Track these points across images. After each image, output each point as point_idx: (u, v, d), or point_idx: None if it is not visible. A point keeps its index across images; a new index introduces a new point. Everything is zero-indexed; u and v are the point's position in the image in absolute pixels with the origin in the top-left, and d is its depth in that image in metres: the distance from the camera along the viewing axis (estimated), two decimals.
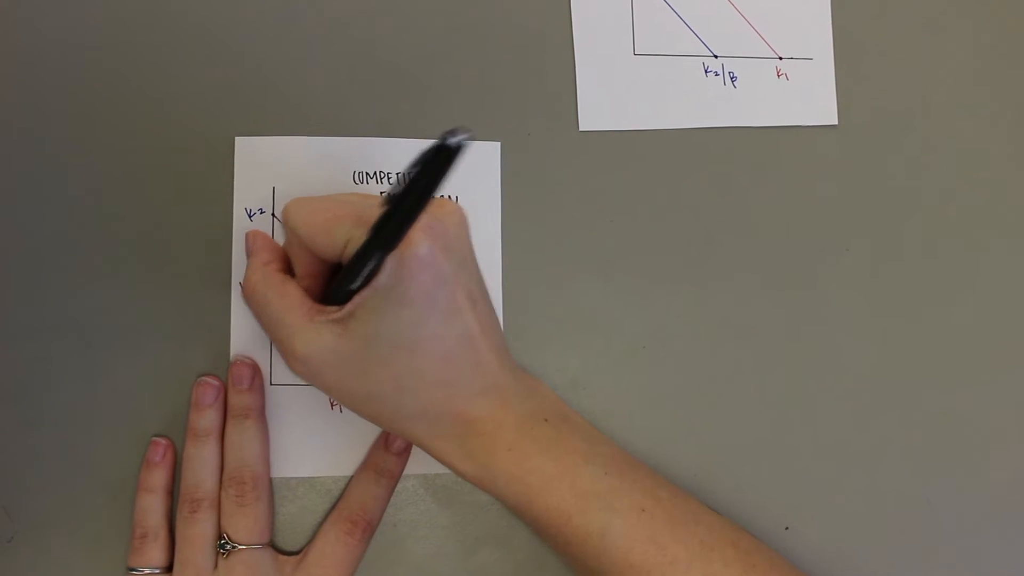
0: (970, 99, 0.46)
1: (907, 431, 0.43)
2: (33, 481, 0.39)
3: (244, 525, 0.37)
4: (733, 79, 0.44)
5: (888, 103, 0.45)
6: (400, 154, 0.42)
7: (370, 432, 0.40)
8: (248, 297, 0.38)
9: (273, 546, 0.39)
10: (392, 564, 0.40)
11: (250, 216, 0.41)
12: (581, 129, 0.43)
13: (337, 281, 0.34)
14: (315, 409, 0.40)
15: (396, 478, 0.40)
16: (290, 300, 0.35)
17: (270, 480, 0.39)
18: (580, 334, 0.42)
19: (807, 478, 0.42)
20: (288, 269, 0.37)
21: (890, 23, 0.46)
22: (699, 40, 0.44)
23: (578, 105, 0.43)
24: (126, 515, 0.38)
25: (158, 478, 0.38)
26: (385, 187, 0.42)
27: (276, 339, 0.35)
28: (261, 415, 0.39)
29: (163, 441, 0.39)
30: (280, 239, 0.41)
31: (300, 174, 0.42)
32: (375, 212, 0.29)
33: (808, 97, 0.45)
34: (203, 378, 0.39)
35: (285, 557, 0.38)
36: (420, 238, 0.32)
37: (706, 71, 0.44)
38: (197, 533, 0.37)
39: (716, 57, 0.44)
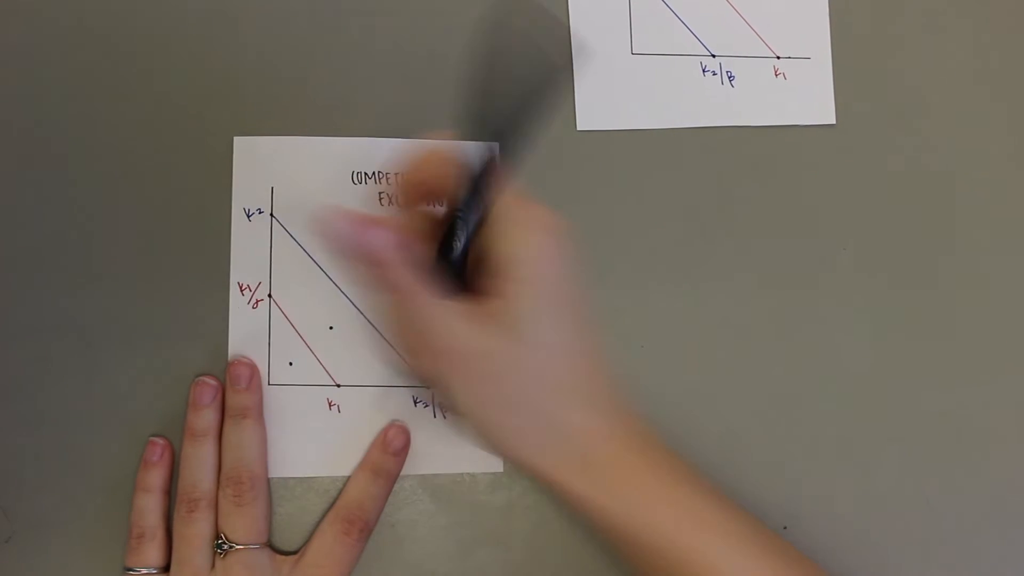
0: (968, 99, 0.46)
1: (905, 431, 0.43)
2: (31, 481, 0.39)
3: (242, 525, 0.37)
4: (731, 78, 0.44)
5: (886, 103, 0.45)
6: (399, 154, 0.42)
7: (367, 432, 0.40)
8: (389, 288, 0.33)
9: (270, 546, 0.39)
10: (390, 564, 0.40)
11: (248, 216, 0.41)
12: (579, 128, 0.43)
13: (441, 248, 0.33)
14: (313, 409, 0.40)
15: (394, 478, 0.40)
16: (430, 292, 0.32)
17: (268, 480, 0.39)
18: None
19: (805, 477, 0.42)
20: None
21: (888, 23, 0.46)
22: (697, 39, 0.44)
23: (576, 104, 0.43)
24: (124, 515, 0.38)
25: (156, 478, 0.38)
26: (384, 188, 0.42)
27: (413, 332, 0.33)
28: (259, 415, 0.39)
29: (161, 441, 0.39)
30: (280, 239, 0.41)
31: (299, 174, 0.42)
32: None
33: (806, 96, 0.45)
34: (201, 378, 0.39)
35: (282, 557, 0.38)
36: (555, 249, 0.32)
37: (704, 70, 0.44)
38: (194, 533, 0.37)
39: (714, 56, 0.44)
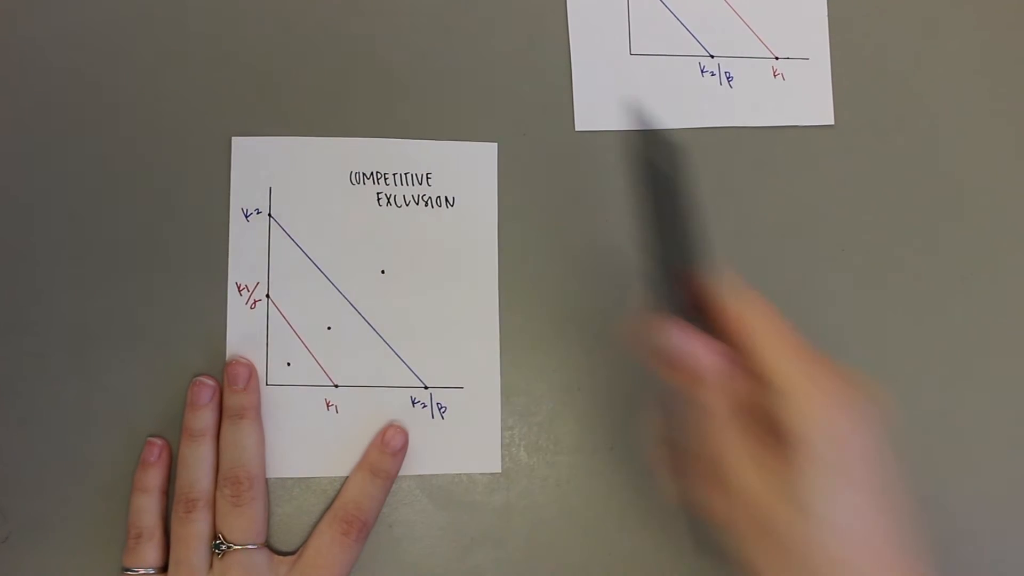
0: (967, 99, 0.46)
1: (904, 431, 0.43)
2: (28, 481, 0.39)
3: (239, 525, 0.37)
4: (729, 79, 0.44)
5: (884, 103, 0.45)
6: (397, 154, 0.42)
7: (365, 433, 0.40)
8: (700, 406, 0.33)
9: (268, 546, 0.39)
10: (387, 564, 0.40)
11: (246, 216, 0.41)
12: (577, 129, 0.43)
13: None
14: (311, 410, 0.40)
15: (392, 478, 0.40)
16: (738, 429, 0.32)
17: (266, 480, 0.39)
18: (576, 334, 0.42)
19: None
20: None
21: (887, 23, 0.46)
22: (695, 40, 0.44)
23: (574, 105, 0.43)
24: (121, 515, 0.38)
25: (153, 478, 0.38)
26: (381, 188, 0.42)
27: (706, 456, 0.32)
28: (257, 415, 0.39)
29: (159, 441, 0.39)
30: (278, 239, 0.41)
31: (296, 174, 0.42)
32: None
33: (804, 97, 0.45)
34: (199, 378, 0.39)
35: (280, 557, 0.38)
36: (857, 427, 0.30)
37: (702, 71, 0.44)
38: (192, 533, 0.37)
39: (712, 57, 0.44)
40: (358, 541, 0.38)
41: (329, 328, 0.41)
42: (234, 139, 0.42)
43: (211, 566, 0.37)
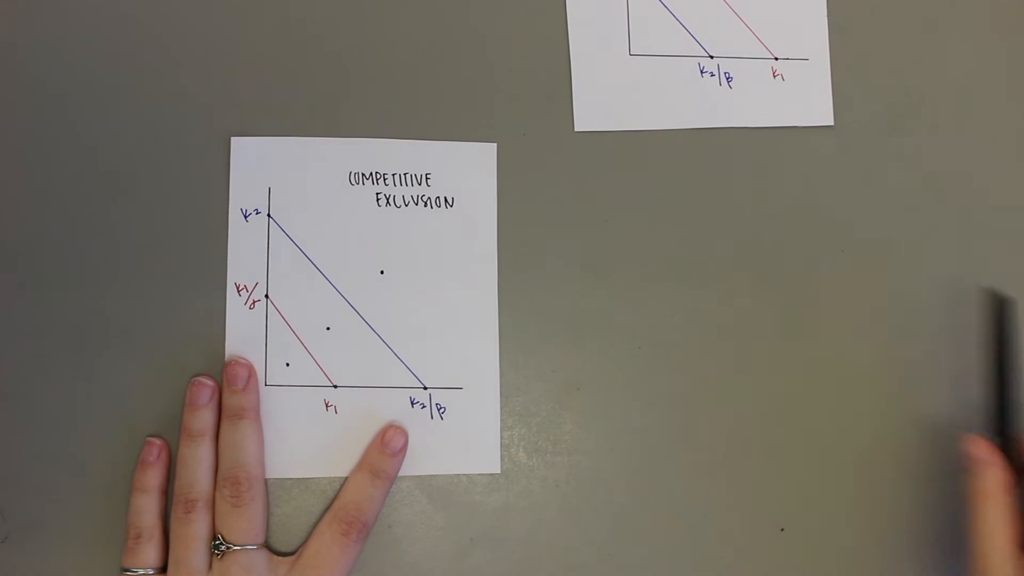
0: (966, 99, 0.45)
1: (904, 432, 0.43)
2: (27, 481, 0.39)
3: (239, 526, 0.37)
4: (729, 80, 0.44)
5: (884, 104, 0.45)
6: (396, 155, 0.42)
7: (364, 433, 0.40)
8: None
9: (268, 547, 0.39)
10: (387, 565, 0.40)
11: (245, 217, 0.41)
12: (576, 130, 0.43)
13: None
14: (310, 410, 0.40)
15: (392, 479, 0.40)
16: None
17: (265, 481, 0.39)
18: (576, 334, 0.42)
19: (802, 479, 0.42)
20: None
21: (886, 23, 0.46)
22: (695, 40, 0.44)
23: (573, 106, 0.43)
24: (120, 515, 0.38)
25: (152, 478, 0.38)
26: (380, 188, 0.42)
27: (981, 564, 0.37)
28: (256, 416, 0.39)
29: (158, 441, 0.39)
30: (277, 239, 0.41)
31: (296, 175, 0.42)
32: None
33: (804, 98, 0.45)
34: (198, 378, 0.39)
35: (280, 558, 0.38)
36: None
37: (702, 72, 0.44)
38: (191, 533, 0.37)
39: (712, 58, 0.44)
40: (358, 542, 0.38)
41: (328, 328, 0.41)
42: (233, 139, 0.41)
43: (210, 566, 0.37)
